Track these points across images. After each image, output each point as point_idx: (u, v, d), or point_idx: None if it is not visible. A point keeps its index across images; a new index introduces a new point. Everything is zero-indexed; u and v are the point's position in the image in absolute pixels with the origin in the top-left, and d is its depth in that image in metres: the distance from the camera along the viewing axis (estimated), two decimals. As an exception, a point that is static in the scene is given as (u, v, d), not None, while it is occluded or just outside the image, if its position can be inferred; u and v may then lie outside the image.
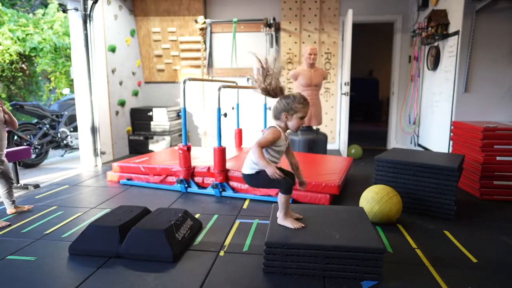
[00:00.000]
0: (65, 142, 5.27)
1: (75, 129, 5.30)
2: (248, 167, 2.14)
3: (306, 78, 4.31)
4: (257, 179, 2.13)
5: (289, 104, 2.03)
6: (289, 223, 2.07)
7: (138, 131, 5.63)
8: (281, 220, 2.11)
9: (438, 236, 2.40)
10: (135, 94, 5.76)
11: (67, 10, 4.37)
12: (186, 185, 3.46)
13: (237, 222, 2.67)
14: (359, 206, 2.57)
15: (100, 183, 3.83)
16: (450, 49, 3.92)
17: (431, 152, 3.45)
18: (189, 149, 3.41)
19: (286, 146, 2.15)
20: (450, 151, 3.82)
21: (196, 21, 5.55)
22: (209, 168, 3.43)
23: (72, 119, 5.47)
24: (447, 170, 2.66)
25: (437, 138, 4.29)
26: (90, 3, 4.39)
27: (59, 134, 5.18)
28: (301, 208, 2.34)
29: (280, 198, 2.09)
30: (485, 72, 3.63)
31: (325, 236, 1.93)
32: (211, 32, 5.67)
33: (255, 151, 2.00)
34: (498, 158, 3.12)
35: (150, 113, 5.54)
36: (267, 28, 5.39)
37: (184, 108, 3.35)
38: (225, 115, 3.28)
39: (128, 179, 3.76)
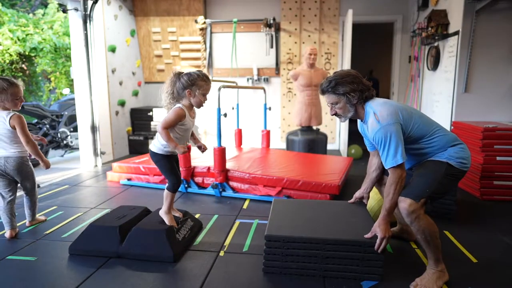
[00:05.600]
0: (65, 142, 5.26)
1: (75, 129, 5.30)
2: (155, 146, 2.27)
3: (306, 78, 4.31)
4: (158, 161, 2.27)
5: (192, 80, 2.14)
6: (167, 219, 2.24)
7: (138, 131, 5.63)
8: (162, 213, 2.29)
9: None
10: (135, 94, 5.76)
11: (67, 10, 4.37)
12: (186, 185, 3.46)
13: (237, 222, 2.67)
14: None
15: (100, 183, 3.83)
16: (450, 49, 3.92)
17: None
18: (189, 149, 3.41)
19: (193, 123, 2.28)
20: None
21: (196, 21, 5.54)
22: (209, 168, 3.43)
23: (72, 119, 5.47)
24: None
25: (437, 138, 4.28)
26: (90, 3, 4.39)
27: (59, 134, 5.18)
28: (301, 203, 2.34)
29: (166, 193, 2.27)
30: (485, 72, 3.63)
31: (326, 230, 1.93)
32: (211, 32, 5.67)
33: (162, 134, 2.11)
34: (498, 158, 3.12)
35: (150, 113, 5.54)
36: (267, 28, 5.39)
37: (184, 108, 3.35)
38: (225, 115, 3.27)
39: (128, 179, 3.76)
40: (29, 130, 4.85)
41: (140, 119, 5.61)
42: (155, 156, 2.26)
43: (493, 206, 3.02)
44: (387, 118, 1.75)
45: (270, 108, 4.64)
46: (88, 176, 4.13)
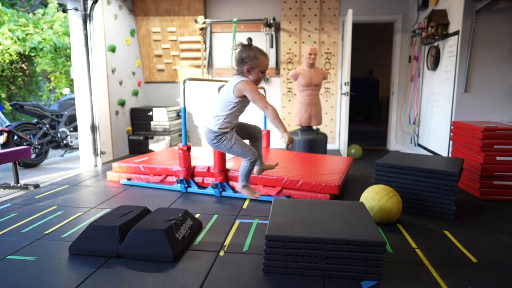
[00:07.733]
0: (65, 142, 5.26)
1: (75, 129, 5.30)
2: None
3: (306, 78, 4.31)
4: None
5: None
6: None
7: (138, 131, 5.63)
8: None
9: (438, 236, 2.40)
10: (135, 94, 5.76)
11: (67, 10, 4.37)
12: (186, 185, 3.46)
13: (237, 222, 2.67)
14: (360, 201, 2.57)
15: (100, 183, 3.83)
16: (450, 49, 3.92)
17: (431, 157, 3.45)
18: (189, 149, 3.41)
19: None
20: (450, 151, 3.82)
21: (196, 21, 5.55)
22: (209, 168, 3.43)
23: (72, 119, 5.48)
24: (448, 175, 2.68)
25: (437, 138, 4.29)
26: (90, 3, 4.39)
27: (59, 134, 5.18)
28: (301, 203, 2.34)
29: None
30: (485, 72, 3.63)
31: (326, 230, 1.93)
32: (211, 32, 5.67)
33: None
34: (498, 158, 3.12)
35: (150, 113, 5.54)
36: (267, 28, 5.39)
37: (184, 108, 3.35)
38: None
39: (128, 179, 3.76)
40: (29, 130, 4.91)
41: (140, 119, 5.61)
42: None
43: (493, 206, 3.02)
44: None
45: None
46: (88, 176, 4.13)
